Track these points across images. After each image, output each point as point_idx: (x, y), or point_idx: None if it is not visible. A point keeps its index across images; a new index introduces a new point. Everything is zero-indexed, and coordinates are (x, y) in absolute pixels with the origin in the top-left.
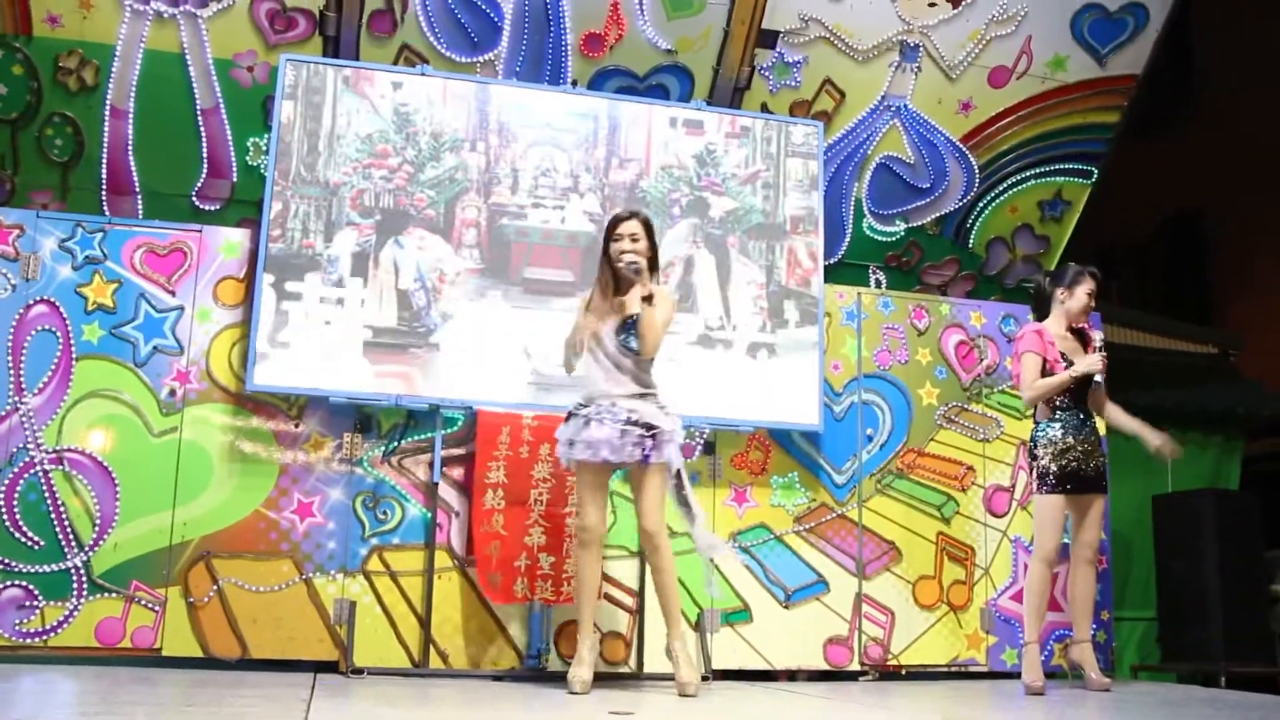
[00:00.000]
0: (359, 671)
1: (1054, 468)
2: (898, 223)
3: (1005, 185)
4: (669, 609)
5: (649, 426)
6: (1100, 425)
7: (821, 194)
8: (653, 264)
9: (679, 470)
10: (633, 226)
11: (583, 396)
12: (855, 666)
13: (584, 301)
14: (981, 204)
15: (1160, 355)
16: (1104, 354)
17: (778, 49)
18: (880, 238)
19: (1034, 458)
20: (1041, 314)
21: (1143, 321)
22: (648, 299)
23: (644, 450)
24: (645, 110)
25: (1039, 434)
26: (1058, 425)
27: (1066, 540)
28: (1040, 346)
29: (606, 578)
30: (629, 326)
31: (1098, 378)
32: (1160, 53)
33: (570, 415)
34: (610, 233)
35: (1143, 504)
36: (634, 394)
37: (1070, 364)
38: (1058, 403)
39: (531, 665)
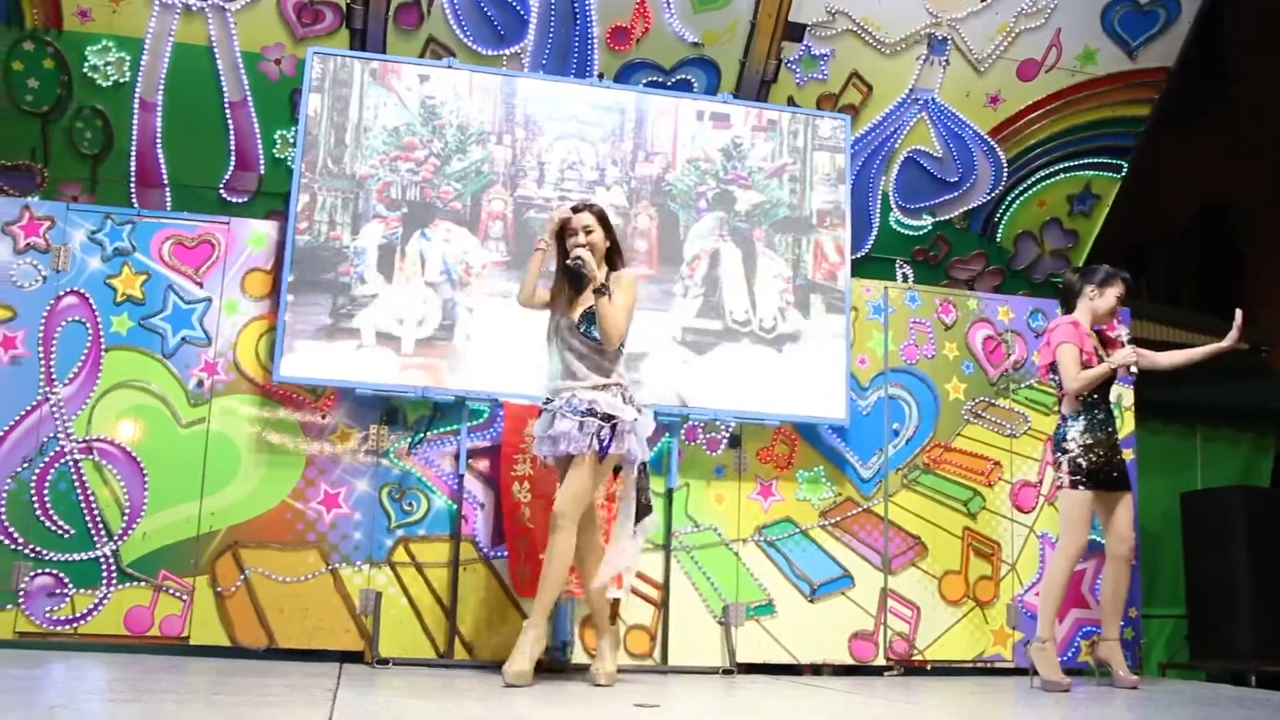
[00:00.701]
0: (384, 662)
1: (1083, 463)
2: (925, 217)
3: (1033, 179)
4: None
5: (608, 417)
6: (1128, 422)
7: (848, 187)
8: (612, 252)
9: (643, 464)
10: (585, 219)
11: (548, 390)
12: (880, 661)
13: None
14: (1009, 198)
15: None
16: (1134, 346)
17: (805, 42)
18: (907, 232)
19: (1062, 452)
20: (1068, 309)
21: (1172, 316)
22: (599, 290)
23: (602, 441)
24: (672, 103)
25: (1066, 428)
26: (1084, 421)
27: (1092, 537)
28: (1077, 338)
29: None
30: (590, 318)
31: (1133, 369)
32: (1192, 45)
33: (541, 410)
34: (564, 227)
35: (1171, 500)
36: (595, 385)
37: (1102, 360)
38: (1085, 398)
39: (556, 658)
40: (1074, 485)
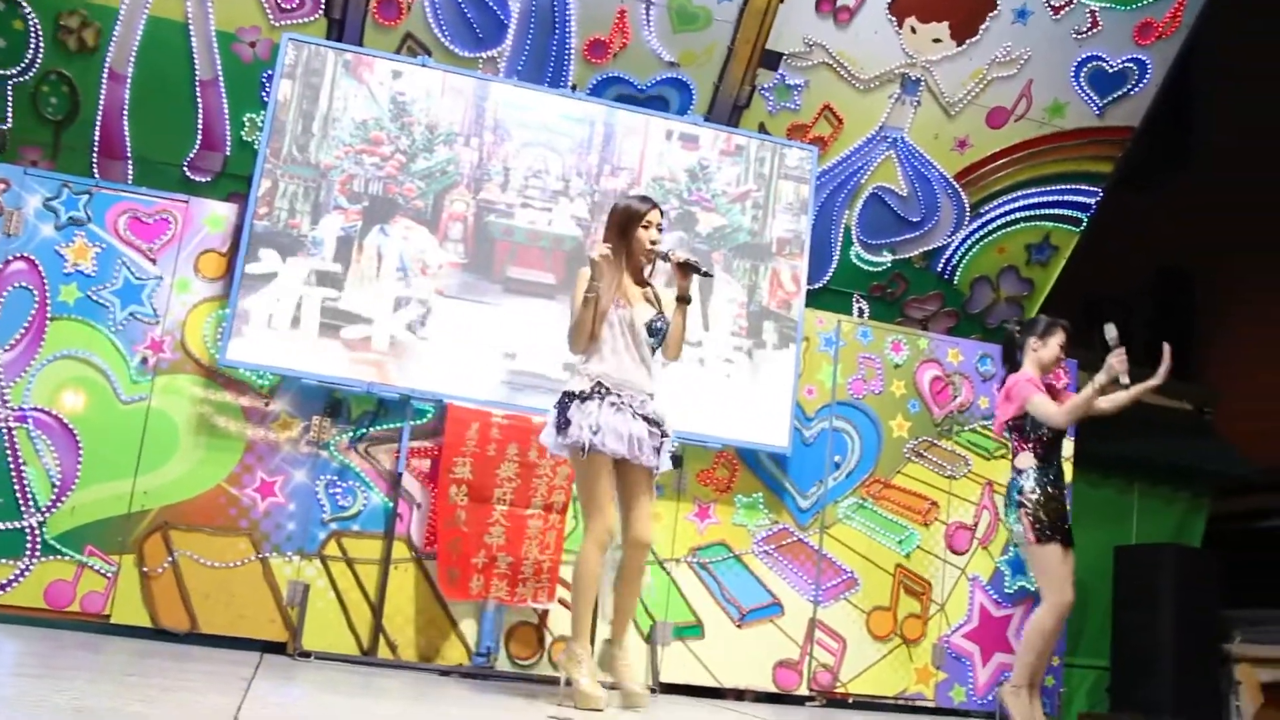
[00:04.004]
0: (306, 655)
1: (1045, 517)
2: (885, 253)
3: (994, 225)
4: (628, 619)
5: (663, 431)
6: (1066, 472)
7: (811, 218)
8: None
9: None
10: (659, 217)
11: (606, 381)
12: (803, 691)
13: (581, 283)
14: (969, 242)
15: (1136, 407)
16: (1122, 350)
17: (780, 71)
18: (866, 267)
19: (1018, 506)
20: (1011, 364)
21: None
22: (686, 300)
23: (660, 456)
24: (642, 121)
25: (1024, 481)
26: (1040, 475)
27: (1033, 587)
28: (1039, 385)
29: (561, 581)
30: (654, 325)
31: (1123, 379)
32: (1159, 108)
33: (579, 396)
34: (638, 218)
35: (1105, 553)
36: (652, 392)
37: None
38: (1042, 452)
39: (480, 663)
40: (1043, 540)
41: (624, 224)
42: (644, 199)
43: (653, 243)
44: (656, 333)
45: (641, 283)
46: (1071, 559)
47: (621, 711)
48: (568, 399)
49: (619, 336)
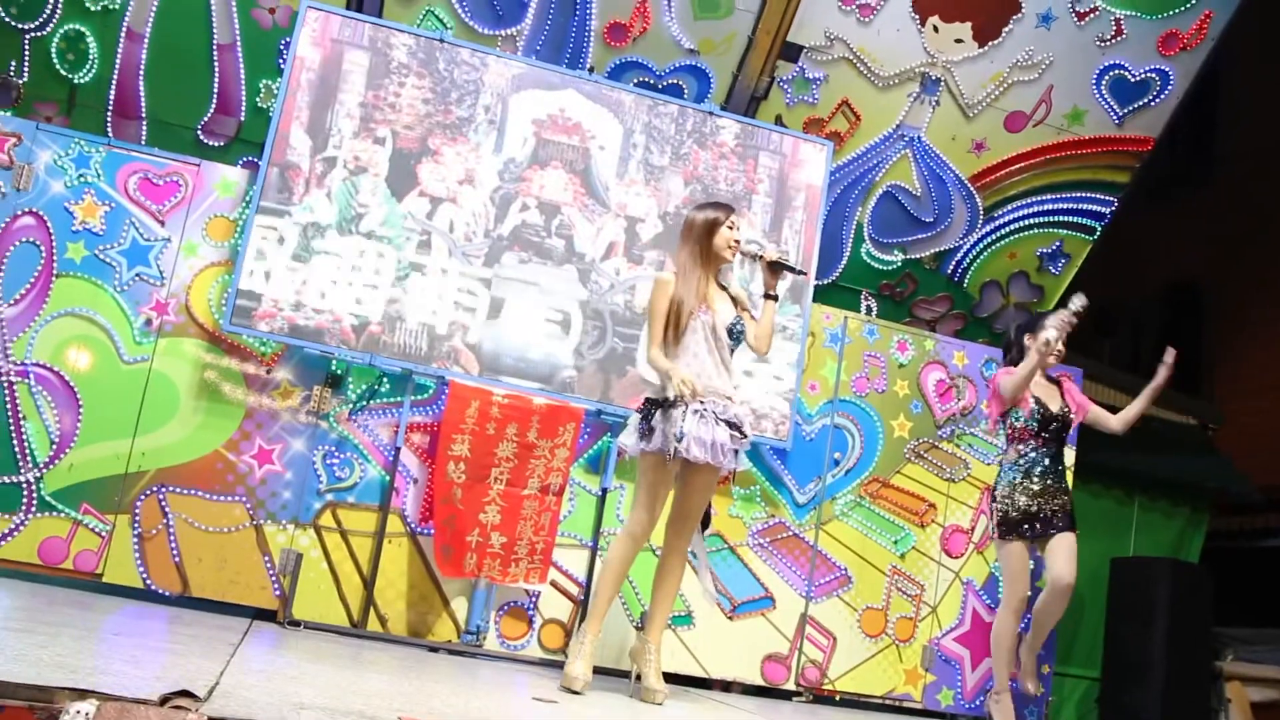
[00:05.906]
0: (296, 624)
1: (1012, 514)
2: (896, 252)
3: (1007, 230)
4: (663, 612)
5: (742, 433)
6: (1068, 473)
7: (823, 214)
8: None
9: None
10: (737, 218)
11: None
12: (790, 686)
13: (665, 290)
14: (981, 245)
15: (1141, 420)
16: (1078, 313)
17: (800, 63)
18: (877, 265)
19: (993, 499)
20: (1013, 364)
21: (1130, 385)
22: (774, 297)
23: (737, 458)
24: (660, 107)
25: (1000, 476)
26: (1017, 472)
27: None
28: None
29: (555, 565)
30: (734, 327)
31: (1050, 333)
32: (1179, 121)
33: (664, 404)
34: (718, 224)
35: (1101, 564)
36: (731, 395)
37: (1043, 407)
38: (1026, 450)
39: (468, 640)
40: (1004, 536)
41: (706, 232)
42: (717, 204)
43: (736, 241)
44: (736, 336)
45: (721, 285)
46: (1062, 541)
47: (632, 700)
48: (652, 406)
49: (703, 341)
